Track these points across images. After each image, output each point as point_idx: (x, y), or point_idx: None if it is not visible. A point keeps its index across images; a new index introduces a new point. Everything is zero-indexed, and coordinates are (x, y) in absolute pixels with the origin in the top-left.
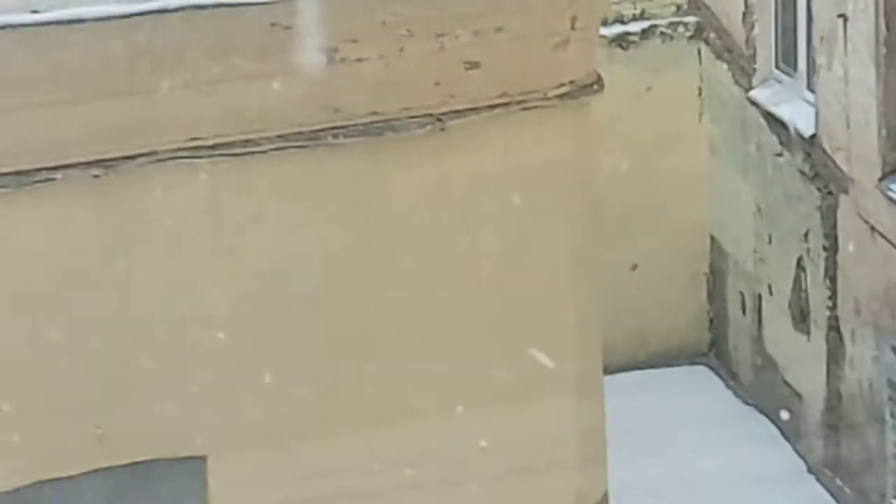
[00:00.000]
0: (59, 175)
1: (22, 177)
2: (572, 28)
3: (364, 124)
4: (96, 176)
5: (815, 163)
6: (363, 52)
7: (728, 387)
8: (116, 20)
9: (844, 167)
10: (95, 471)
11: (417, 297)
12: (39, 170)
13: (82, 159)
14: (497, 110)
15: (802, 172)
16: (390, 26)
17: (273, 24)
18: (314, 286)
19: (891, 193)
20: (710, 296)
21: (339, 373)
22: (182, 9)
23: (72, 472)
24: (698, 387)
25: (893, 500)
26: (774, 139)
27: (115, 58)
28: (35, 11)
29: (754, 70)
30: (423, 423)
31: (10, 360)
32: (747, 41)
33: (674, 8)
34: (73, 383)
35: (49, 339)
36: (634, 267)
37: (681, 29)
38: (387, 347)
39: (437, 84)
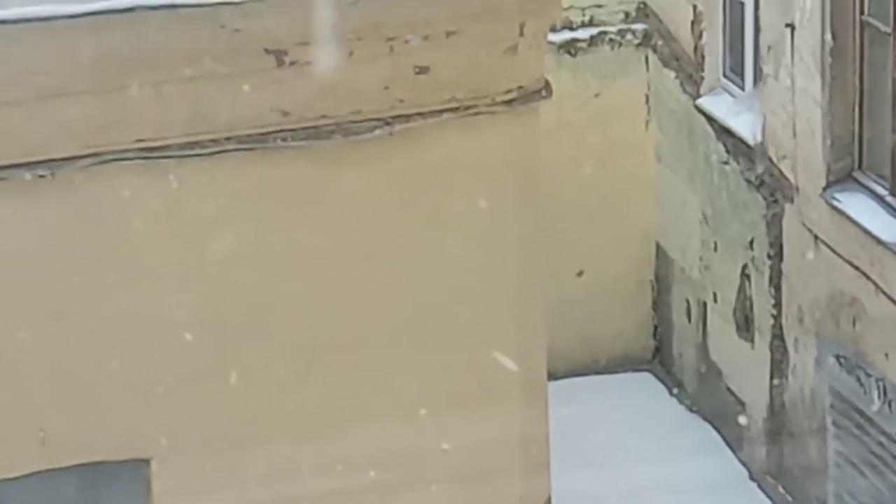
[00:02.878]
0: (5, 174)
1: None
2: (521, 34)
3: (313, 128)
4: (42, 176)
5: (761, 171)
6: (312, 55)
7: (672, 394)
8: (65, 20)
9: (790, 176)
10: (38, 473)
11: (366, 301)
12: None
13: (34, 158)
14: (446, 115)
15: (748, 181)
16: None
17: (222, 27)
18: (267, 289)
19: (835, 202)
20: (655, 303)
21: (290, 375)
22: (131, 10)
23: (13, 474)
24: (643, 394)
25: None
26: (721, 147)
27: (66, 58)
28: None
29: (702, 78)
30: (363, 428)
31: None
32: (695, 49)
33: (622, 15)
34: (15, 384)
35: None
36: (580, 273)
37: (629, 36)
38: (335, 350)
39: (387, 88)
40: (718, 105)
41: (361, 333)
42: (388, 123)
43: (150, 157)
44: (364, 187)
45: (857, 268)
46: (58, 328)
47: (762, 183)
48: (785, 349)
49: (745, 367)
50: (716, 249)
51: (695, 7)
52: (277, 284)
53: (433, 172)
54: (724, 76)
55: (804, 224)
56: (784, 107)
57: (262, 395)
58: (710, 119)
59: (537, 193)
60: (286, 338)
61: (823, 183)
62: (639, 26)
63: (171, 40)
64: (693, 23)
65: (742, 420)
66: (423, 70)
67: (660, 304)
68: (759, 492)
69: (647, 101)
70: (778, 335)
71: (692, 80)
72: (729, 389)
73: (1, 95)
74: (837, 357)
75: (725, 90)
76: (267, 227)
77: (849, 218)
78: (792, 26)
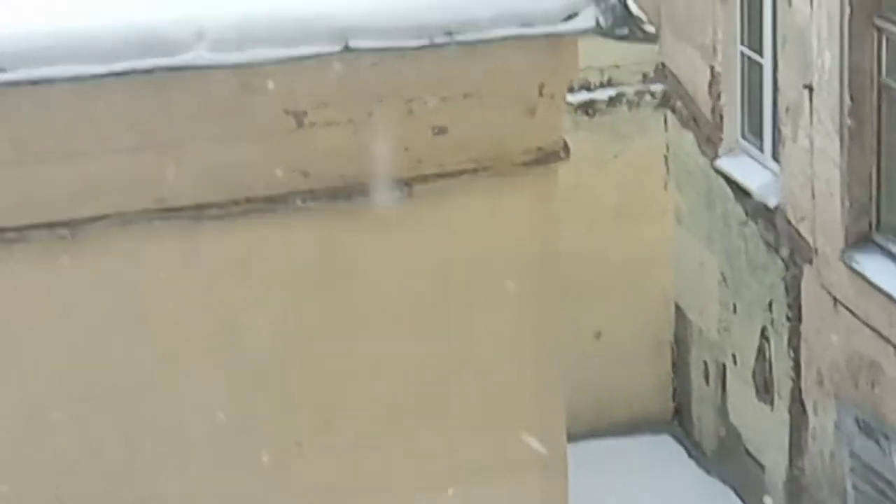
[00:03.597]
0: (27, 235)
1: None
2: (540, 95)
3: (333, 188)
4: (62, 237)
5: (780, 233)
6: (332, 116)
7: (691, 456)
8: (86, 81)
9: (808, 238)
10: None
11: (381, 366)
12: (7, 230)
13: (54, 219)
14: (464, 176)
15: (767, 242)
16: (359, 91)
17: (242, 88)
18: (279, 352)
19: (854, 265)
20: (674, 365)
21: (310, 445)
22: (152, 70)
23: None
24: (661, 456)
25: None
26: (739, 209)
27: (87, 118)
28: (1, 70)
29: (720, 139)
30: (385, 500)
31: None
32: (713, 110)
33: (640, 76)
34: (32, 444)
35: (9, 399)
36: (599, 335)
37: (647, 97)
38: (352, 418)
39: (406, 149)
40: (737, 166)
41: (376, 403)
42: (407, 184)
43: (170, 219)
44: (383, 248)
45: (876, 330)
46: (76, 391)
47: (781, 245)
48: (804, 412)
49: (764, 430)
50: (735, 311)
51: (713, 68)
52: (292, 348)
53: (451, 233)
54: (743, 137)
55: (823, 286)
56: (802, 168)
57: (281, 463)
58: (729, 180)
59: (556, 255)
60: (305, 406)
61: (842, 245)
62: (657, 87)
63: (192, 100)
64: (711, 84)
65: (762, 483)
66: (441, 131)
67: (679, 365)
68: None
69: (666, 161)
70: (797, 398)
71: (710, 142)
72: (748, 452)
73: (20, 155)
74: (857, 420)
75: (744, 151)
76: (288, 288)
77: (867, 280)
78: (810, 88)
